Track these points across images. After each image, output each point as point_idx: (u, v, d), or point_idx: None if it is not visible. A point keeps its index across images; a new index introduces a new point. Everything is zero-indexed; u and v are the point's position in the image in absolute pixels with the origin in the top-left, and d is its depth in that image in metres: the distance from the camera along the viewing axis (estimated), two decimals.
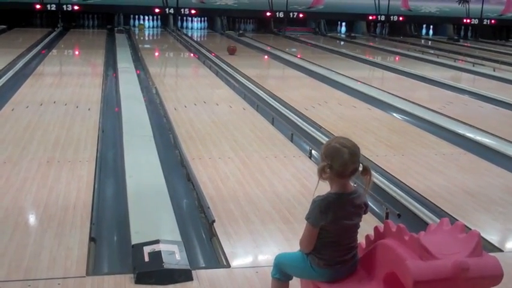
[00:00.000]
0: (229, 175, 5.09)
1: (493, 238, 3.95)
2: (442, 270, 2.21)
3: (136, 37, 18.07)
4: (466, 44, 20.19)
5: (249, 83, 10.07)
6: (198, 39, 18.94)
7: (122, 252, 3.71)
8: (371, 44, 19.19)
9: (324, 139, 6.12)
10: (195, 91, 9.19)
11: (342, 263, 2.55)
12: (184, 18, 21.35)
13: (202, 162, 5.43)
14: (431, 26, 23.40)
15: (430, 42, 21.08)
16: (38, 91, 8.69)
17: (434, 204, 4.53)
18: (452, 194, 4.80)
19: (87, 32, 20.18)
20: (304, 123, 7.23)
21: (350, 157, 2.44)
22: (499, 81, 11.40)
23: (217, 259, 3.63)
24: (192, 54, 14.60)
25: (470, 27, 23.38)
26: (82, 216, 4.06)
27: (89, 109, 7.49)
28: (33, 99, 8.04)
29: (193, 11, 20.86)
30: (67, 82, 9.73)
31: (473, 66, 13.60)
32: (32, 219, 4.10)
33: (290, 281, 2.77)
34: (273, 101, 8.65)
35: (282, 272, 2.72)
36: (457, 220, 3.79)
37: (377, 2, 22.02)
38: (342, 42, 20.06)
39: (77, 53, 15.07)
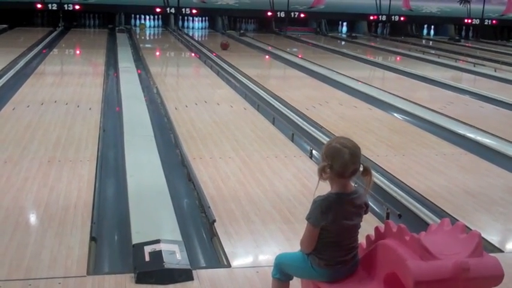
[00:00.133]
0: (230, 175, 5.09)
1: (493, 238, 3.95)
2: (443, 271, 2.22)
3: (138, 37, 18.08)
4: (467, 44, 20.18)
5: (250, 83, 10.07)
6: (199, 39, 18.95)
7: (123, 252, 3.71)
8: (372, 44, 19.18)
9: (324, 139, 6.12)
10: (196, 91, 9.19)
11: (342, 263, 2.56)
12: (186, 17, 21.36)
13: (203, 161, 5.43)
14: (432, 26, 23.40)
15: (431, 42, 21.08)
16: (39, 90, 8.69)
17: (435, 205, 4.53)
18: (453, 194, 4.80)
19: (88, 31, 20.19)
20: (305, 123, 7.23)
21: (350, 158, 2.44)
22: (500, 82, 11.39)
23: (217, 259, 3.63)
24: (193, 54, 14.61)
25: (471, 28, 23.37)
26: (83, 215, 4.07)
27: (90, 109, 7.50)
28: (34, 98, 8.05)
29: (194, 11, 20.87)
30: (68, 81, 9.73)
31: (474, 66, 13.59)
32: (32, 218, 4.10)
33: (290, 281, 2.78)
34: (274, 100, 8.65)
35: (282, 272, 2.72)
36: (458, 220, 3.78)
37: (378, 2, 22.01)
38: (343, 42, 20.06)
39: (78, 52, 15.08)
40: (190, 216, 4.38)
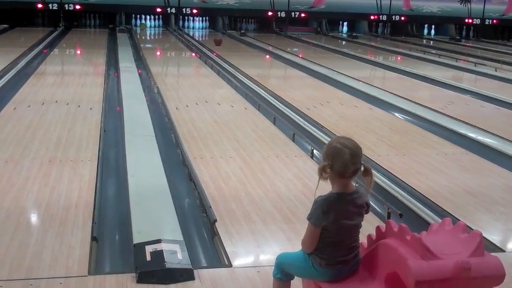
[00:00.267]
0: (231, 175, 5.09)
1: (494, 238, 3.95)
2: (444, 270, 2.21)
3: (138, 36, 18.08)
4: (467, 44, 20.17)
5: (251, 83, 10.07)
6: (200, 39, 18.94)
7: (124, 252, 3.71)
8: (373, 43, 19.18)
9: (325, 139, 6.12)
10: (196, 90, 9.19)
11: (343, 262, 2.56)
12: (186, 17, 21.36)
13: (204, 161, 5.43)
14: (433, 26, 23.39)
15: (431, 42, 21.07)
16: (40, 90, 8.70)
17: (436, 204, 4.53)
18: (454, 194, 4.80)
19: (89, 31, 20.19)
20: (306, 123, 7.22)
21: (351, 158, 2.44)
22: (501, 81, 11.39)
23: (218, 259, 3.63)
24: (193, 54, 14.61)
25: (472, 27, 23.36)
26: (84, 215, 4.07)
27: (90, 108, 7.50)
28: (35, 98, 8.05)
29: (194, 11, 20.87)
30: (69, 81, 9.74)
31: (475, 66, 13.58)
32: (33, 218, 4.10)
33: (292, 281, 2.78)
34: (275, 100, 8.65)
35: (283, 271, 2.72)
36: (459, 220, 3.78)
37: (379, 1, 22.00)
38: (344, 42, 20.05)
39: (78, 52, 15.09)
40: (191, 216, 4.38)
